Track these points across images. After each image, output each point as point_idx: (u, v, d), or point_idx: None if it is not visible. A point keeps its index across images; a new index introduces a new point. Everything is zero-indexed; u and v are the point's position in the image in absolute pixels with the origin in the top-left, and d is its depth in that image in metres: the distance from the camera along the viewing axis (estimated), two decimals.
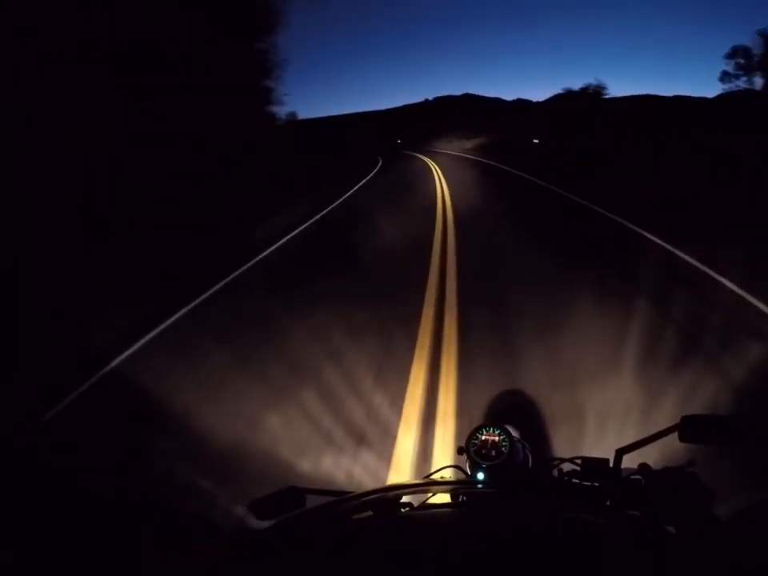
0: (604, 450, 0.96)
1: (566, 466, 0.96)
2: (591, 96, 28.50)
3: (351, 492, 0.86)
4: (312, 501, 0.85)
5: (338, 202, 11.98)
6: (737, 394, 2.63)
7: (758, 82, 26.42)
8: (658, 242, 5.71)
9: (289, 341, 3.77)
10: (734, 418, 0.79)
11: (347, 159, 28.64)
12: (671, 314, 3.66)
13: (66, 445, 2.71)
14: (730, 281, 4.24)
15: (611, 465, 0.88)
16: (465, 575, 0.55)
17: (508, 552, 0.58)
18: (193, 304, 5.02)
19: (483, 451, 0.95)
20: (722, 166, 10.79)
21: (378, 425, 2.62)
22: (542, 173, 13.09)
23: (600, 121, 23.22)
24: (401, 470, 2.27)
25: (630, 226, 6.61)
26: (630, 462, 0.87)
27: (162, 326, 4.44)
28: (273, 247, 7.40)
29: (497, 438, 0.96)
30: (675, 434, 0.81)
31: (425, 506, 0.94)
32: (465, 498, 0.92)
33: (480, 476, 0.92)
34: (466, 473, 0.99)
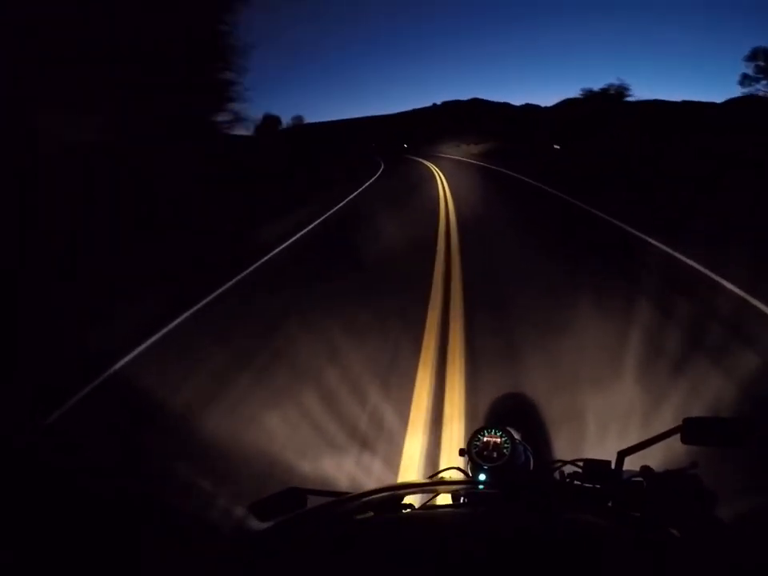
0: (605, 453, 0.96)
1: (568, 468, 0.96)
2: (613, 97, 28.05)
3: (352, 493, 0.86)
4: (313, 501, 0.84)
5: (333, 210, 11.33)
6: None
7: None
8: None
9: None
10: (736, 420, 0.78)
11: (348, 160, 28.57)
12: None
13: (65, 445, 2.71)
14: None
15: (613, 467, 0.88)
16: None
17: (509, 553, 0.58)
18: (195, 306, 5.09)
19: (485, 453, 0.94)
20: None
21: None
22: (568, 186, 11.13)
23: (620, 122, 22.54)
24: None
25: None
26: (631, 464, 0.87)
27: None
28: (283, 245, 7.49)
29: (498, 440, 0.96)
30: (677, 436, 0.81)
31: (426, 506, 0.94)
32: (466, 499, 0.92)
33: (481, 477, 0.91)
34: (467, 474, 0.98)
